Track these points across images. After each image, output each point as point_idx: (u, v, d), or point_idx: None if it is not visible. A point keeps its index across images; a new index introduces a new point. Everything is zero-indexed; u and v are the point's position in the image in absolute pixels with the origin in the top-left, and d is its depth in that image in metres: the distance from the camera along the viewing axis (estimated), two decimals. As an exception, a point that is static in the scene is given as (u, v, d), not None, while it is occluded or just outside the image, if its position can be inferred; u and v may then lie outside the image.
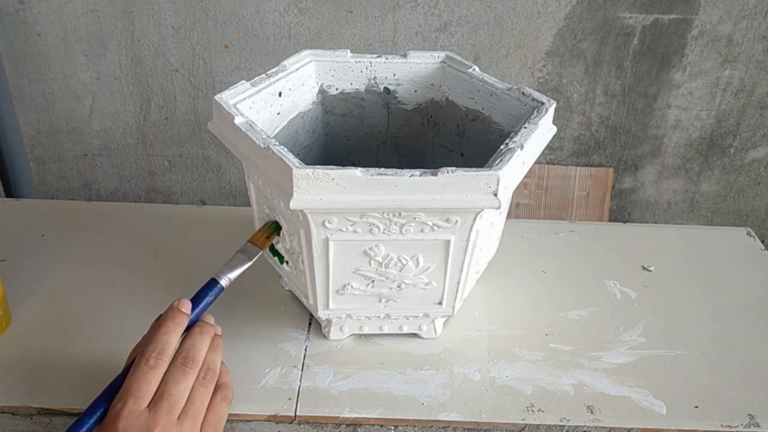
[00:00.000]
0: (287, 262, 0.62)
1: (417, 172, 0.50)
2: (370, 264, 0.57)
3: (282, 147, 0.52)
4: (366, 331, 0.65)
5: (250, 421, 0.58)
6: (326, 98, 0.71)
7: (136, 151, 1.57)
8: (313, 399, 0.59)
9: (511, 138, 0.56)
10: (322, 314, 0.62)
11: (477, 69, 0.69)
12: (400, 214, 0.52)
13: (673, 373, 0.63)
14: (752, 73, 1.49)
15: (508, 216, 0.70)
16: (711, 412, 0.60)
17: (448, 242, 0.56)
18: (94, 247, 0.76)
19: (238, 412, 0.58)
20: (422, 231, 0.54)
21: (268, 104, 0.65)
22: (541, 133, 0.59)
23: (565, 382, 0.62)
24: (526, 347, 0.66)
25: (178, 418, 0.49)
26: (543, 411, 0.59)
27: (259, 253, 0.58)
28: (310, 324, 0.67)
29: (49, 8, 1.39)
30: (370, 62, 0.70)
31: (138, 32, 1.42)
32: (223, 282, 0.56)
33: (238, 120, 0.56)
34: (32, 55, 1.44)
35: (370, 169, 0.50)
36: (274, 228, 0.60)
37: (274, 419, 0.58)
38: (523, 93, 0.64)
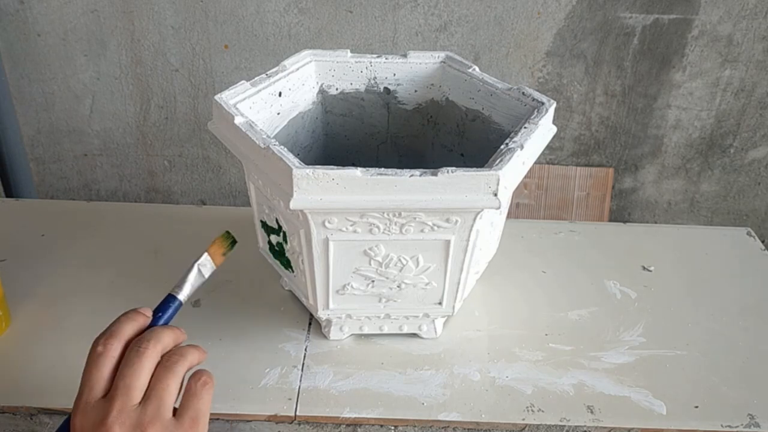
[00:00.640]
0: (292, 268, 0.62)
1: (417, 172, 0.50)
2: (370, 264, 0.57)
3: (282, 147, 0.52)
4: (366, 331, 0.65)
5: (250, 421, 0.58)
6: (326, 98, 0.71)
7: (136, 151, 1.57)
8: (313, 399, 0.59)
9: (511, 138, 0.56)
10: (322, 314, 0.62)
11: (477, 69, 0.69)
12: (400, 214, 0.52)
13: (673, 373, 0.63)
14: (752, 73, 1.49)
15: (508, 216, 0.70)
16: (711, 412, 0.60)
17: (448, 242, 0.56)
18: (94, 247, 0.76)
19: (238, 412, 0.58)
20: (422, 231, 0.54)
21: (268, 104, 0.65)
22: (541, 133, 0.59)
23: (565, 382, 0.62)
24: (526, 347, 0.65)
25: (141, 402, 0.43)
26: (543, 411, 0.59)
27: (214, 270, 0.56)
28: (310, 324, 0.67)
29: (49, 8, 1.39)
30: (370, 62, 0.70)
31: (138, 32, 1.42)
32: (182, 297, 0.53)
33: (238, 120, 0.56)
34: (32, 55, 1.44)
35: (370, 169, 0.50)
36: (230, 244, 0.58)
37: (274, 419, 0.58)
38: (523, 93, 0.64)
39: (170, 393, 0.45)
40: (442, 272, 0.58)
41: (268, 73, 0.66)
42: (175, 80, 1.48)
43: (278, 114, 0.67)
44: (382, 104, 0.72)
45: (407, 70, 0.71)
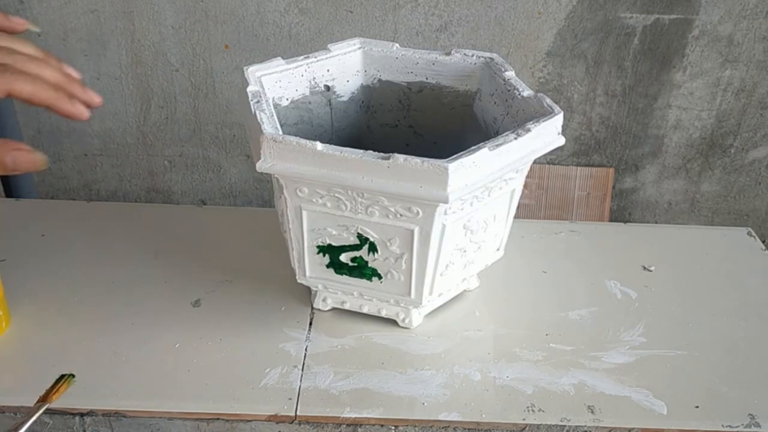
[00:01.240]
0: (379, 276, 0.63)
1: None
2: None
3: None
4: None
5: (251, 421, 0.58)
6: (279, 112, 0.69)
7: (137, 151, 1.57)
8: (313, 399, 0.59)
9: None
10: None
11: (398, 45, 0.72)
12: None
13: (674, 373, 0.63)
14: (753, 73, 1.49)
15: (509, 216, 0.70)
16: (711, 412, 0.60)
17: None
18: (94, 247, 0.76)
19: (238, 412, 0.58)
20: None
21: None
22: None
23: (565, 382, 0.62)
24: (526, 347, 0.65)
25: None
26: (543, 411, 0.59)
27: (44, 407, 0.54)
28: (310, 324, 0.67)
29: (49, 8, 1.38)
30: (307, 65, 0.70)
31: (138, 32, 1.42)
32: None
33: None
34: (32, 55, 1.43)
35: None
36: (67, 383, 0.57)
37: (275, 419, 0.58)
38: (465, 53, 0.68)
39: None
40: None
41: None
42: (175, 80, 1.48)
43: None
44: (325, 103, 0.72)
45: (336, 63, 0.72)
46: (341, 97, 0.73)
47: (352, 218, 0.57)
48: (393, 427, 0.58)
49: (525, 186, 0.68)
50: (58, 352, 0.63)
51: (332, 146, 0.53)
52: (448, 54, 0.71)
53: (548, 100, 0.61)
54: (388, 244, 0.58)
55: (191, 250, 0.76)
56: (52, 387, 0.56)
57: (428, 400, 0.59)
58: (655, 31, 1.43)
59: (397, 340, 0.66)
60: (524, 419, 0.58)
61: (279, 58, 0.68)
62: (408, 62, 0.72)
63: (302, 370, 0.62)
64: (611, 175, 1.59)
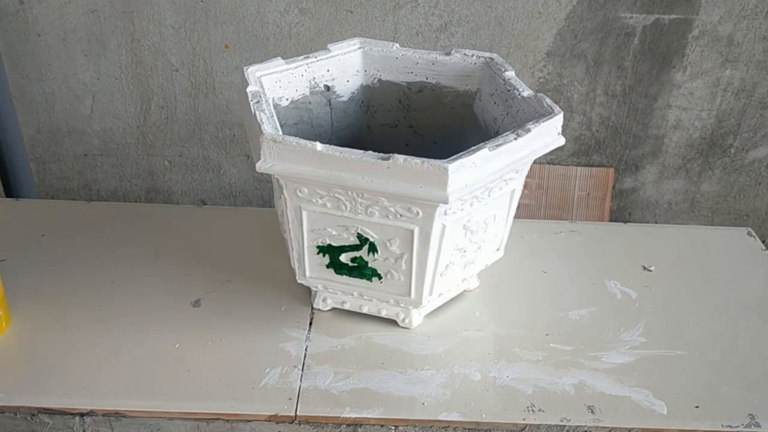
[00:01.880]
0: (379, 276, 0.63)
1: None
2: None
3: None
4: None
5: (251, 421, 0.58)
6: (279, 112, 0.69)
7: (137, 151, 1.57)
8: (313, 399, 0.59)
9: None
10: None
11: (398, 45, 0.72)
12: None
13: (674, 373, 0.63)
14: (753, 73, 1.49)
15: (509, 216, 0.70)
16: (711, 412, 0.60)
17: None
18: (94, 247, 0.76)
19: (238, 412, 0.58)
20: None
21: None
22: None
23: (565, 382, 0.62)
24: (526, 347, 0.65)
25: None
26: (543, 411, 0.59)
27: None
28: (310, 324, 0.67)
29: (49, 8, 1.38)
30: (307, 65, 0.70)
31: (138, 32, 1.42)
32: None
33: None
34: (32, 55, 1.44)
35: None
36: None
37: (275, 419, 0.58)
38: (465, 53, 0.67)
39: None
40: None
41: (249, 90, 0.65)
42: (175, 80, 1.48)
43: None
44: (324, 102, 0.72)
45: (335, 62, 0.72)
46: (341, 97, 0.73)
47: (352, 218, 0.57)
48: (393, 427, 0.58)
49: (525, 186, 0.68)
50: (58, 352, 0.63)
51: (332, 146, 0.53)
52: (448, 54, 0.71)
53: (548, 100, 0.61)
54: (388, 244, 0.58)
55: (191, 250, 0.76)
56: None
57: (428, 400, 0.59)
58: (655, 31, 1.43)
59: (397, 340, 0.66)
60: (524, 419, 0.58)
61: (279, 58, 0.68)
62: (408, 62, 0.72)
63: (302, 370, 0.62)
64: (611, 175, 1.59)
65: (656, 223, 1.68)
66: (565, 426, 0.58)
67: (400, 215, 0.56)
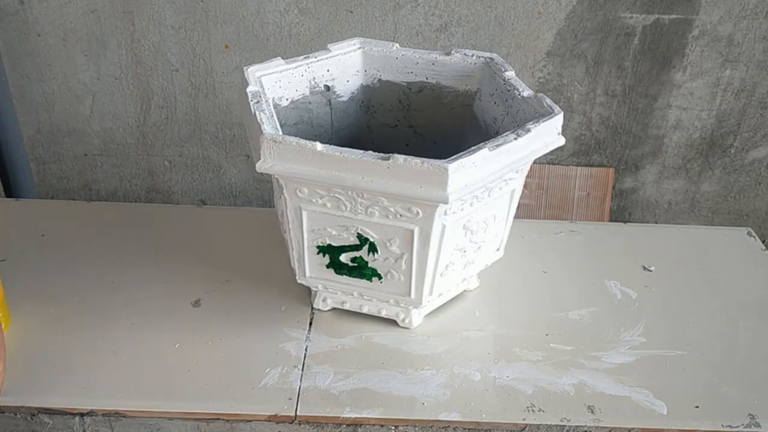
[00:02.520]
0: (379, 276, 0.63)
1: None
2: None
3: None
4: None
5: (251, 421, 0.58)
6: (279, 112, 0.69)
7: (137, 151, 1.57)
8: (313, 399, 0.59)
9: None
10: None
11: (398, 45, 0.72)
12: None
13: (674, 373, 0.63)
14: (753, 73, 1.49)
15: (509, 216, 0.70)
16: (711, 412, 0.60)
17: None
18: (94, 247, 0.76)
19: (238, 412, 0.58)
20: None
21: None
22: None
23: (565, 382, 0.62)
24: (526, 347, 0.65)
25: None
26: (543, 411, 0.59)
27: None
28: (310, 324, 0.67)
29: (49, 8, 1.38)
30: (307, 65, 0.70)
31: (138, 32, 1.42)
32: None
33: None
34: (32, 55, 1.44)
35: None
36: None
37: (275, 419, 0.58)
38: (465, 53, 0.67)
39: None
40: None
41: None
42: (175, 80, 1.48)
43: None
44: (324, 102, 0.72)
45: (335, 63, 0.72)
46: (341, 97, 0.73)
47: (352, 218, 0.57)
48: (393, 427, 0.58)
49: (525, 186, 0.68)
50: (58, 352, 0.62)
51: (332, 146, 0.53)
52: (448, 54, 0.71)
53: (548, 100, 0.61)
54: (388, 244, 0.58)
55: (191, 250, 0.76)
56: None
57: (428, 400, 0.59)
58: (655, 31, 1.43)
59: (397, 340, 0.66)
60: (524, 419, 0.58)
61: (279, 58, 0.68)
62: (408, 62, 0.71)
63: (302, 370, 0.62)
64: (611, 175, 1.59)
65: (656, 223, 1.68)
66: (565, 426, 0.58)
67: (400, 215, 0.56)
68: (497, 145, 0.55)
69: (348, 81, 0.73)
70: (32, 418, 0.58)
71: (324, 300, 0.68)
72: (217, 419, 0.58)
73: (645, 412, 0.59)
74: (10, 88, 1.46)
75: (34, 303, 0.68)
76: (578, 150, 1.58)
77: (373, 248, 0.59)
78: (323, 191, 0.56)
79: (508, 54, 1.46)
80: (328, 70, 0.71)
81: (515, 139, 0.56)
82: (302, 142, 0.53)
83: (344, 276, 0.63)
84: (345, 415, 0.58)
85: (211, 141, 1.56)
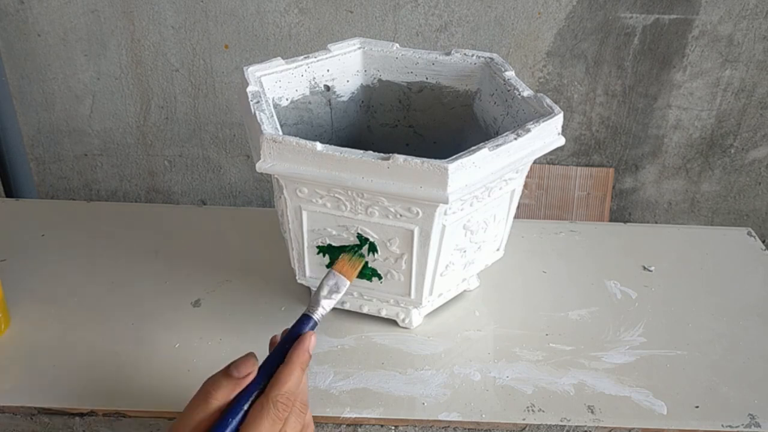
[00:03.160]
0: (379, 276, 0.63)
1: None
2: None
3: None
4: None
5: (250, 421, 0.58)
6: (279, 112, 0.69)
7: (137, 151, 1.57)
8: (313, 399, 0.59)
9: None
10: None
11: (398, 45, 0.72)
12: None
13: (674, 373, 0.63)
14: (753, 73, 1.49)
15: (509, 216, 0.70)
16: (711, 412, 0.60)
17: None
18: (94, 247, 0.76)
19: (238, 412, 0.58)
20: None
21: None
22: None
23: (565, 382, 0.62)
24: (526, 347, 0.65)
25: None
26: (543, 411, 0.59)
27: (347, 285, 0.55)
28: (310, 324, 0.67)
29: (49, 8, 1.38)
30: (307, 65, 0.70)
31: (138, 32, 1.42)
32: (316, 317, 0.52)
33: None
34: (32, 55, 1.44)
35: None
36: (359, 256, 0.59)
37: (275, 419, 0.58)
38: (465, 53, 0.67)
39: None
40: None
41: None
42: (175, 80, 1.48)
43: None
44: (324, 102, 0.72)
45: (335, 63, 0.72)
46: (341, 97, 0.73)
47: (352, 218, 0.57)
48: (393, 427, 0.58)
49: (525, 186, 0.68)
50: (58, 352, 0.63)
51: (332, 146, 0.53)
52: (448, 54, 0.71)
53: (548, 100, 0.61)
54: (388, 244, 0.58)
55: (191, 250, 0.76)
56: (344, 261, 0.57)
57: (428, 400, 0.59)
58: (655, 31, 1.43)
59: (397, 340, 0.66)
60: (524, 419, 0.58)
61: (279, 58, 0.68)
62: (408, 62, 0.72)
63: (302, 370, 0.62)
64: (611, 175, 1.59)
65: (656, 223, 1.68)
66: (565, 426, 0.58)
67: (400, 215, 0.56)
68: (497, 145, 0.55)
69: (348, 81, 0.73)
70: (32, 418, 0.58)
71: None
72: (217, 419, 0.58)
73: (645, 412, 0.59)
74: (10, 88, 1.46)
75: (34, 303, 0.68)
76: (578, 150, 1.58)
77: (373, 248, 0.59)
78: (323, 191, 0.56)
79: (508, 54, 1.46)
80: (328, 70, 0.71)
81: (515, 139, 0.56)
82: (302, 142, 0.53)
83: None
84: (345, 415, 0.58)
85: (211, 141, 1.56)
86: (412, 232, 0.57)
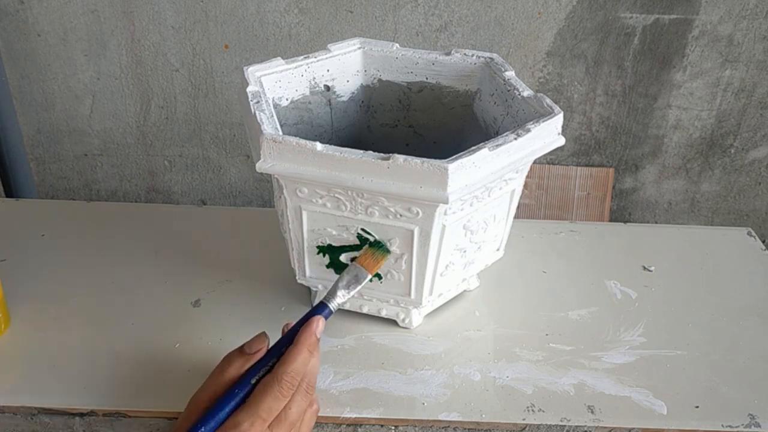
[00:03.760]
0: (379, 277, 0.63)
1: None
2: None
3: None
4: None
5: (250, 421, 0.58)
6: (279, 112, 0.69)
7: (137, 151, 1.57)
8: (313, 399, 0.59)
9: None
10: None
11: (398, 45, 0.72)
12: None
13: (674, 373, 0.63)
14: (753, 73, 1.49)
15: (509, 216, 0.70)
16: (711, 412, 0.60)
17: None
18: (94, 247, 0.76)
19: (238, 412, 0.58)
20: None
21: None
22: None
23: (565, 382, 0.62)
24: (526, 347, 0.65)
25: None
26: (543, 411, 0.59)
27: (367, 278, 0.57)
28: (310, 324, 0.67)
29: (49, 8, 1.38)
30: (307, 65, 0.69)
31: (138, 32, 1.42)
32: (332, 305, 0.55)
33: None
34: (32, 55, 1.44)
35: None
36: (383, 250, 0.59)
37: (275, 419, 0.58)
38: (465, 53, 0.67)
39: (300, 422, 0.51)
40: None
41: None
42: (175, 80, 1.48)
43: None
44: (324, 102, 0.72)
45: (335, 63, 0.71)
46: (341, 97, 0.73)
47: (352, 218, 0.57)
48: (393, 427, 0.58)
49: (525, 186, 0.68)
50: (58, 352, 0.63)
51: (332, 146, 0.53)
52: (448, 54, 0.71)
53: (548, 100, 0.61)
54: (388, 244, 0.58)
55: (191, 250, 0.76)
56: (367, 255, 0.58)
57: (428, 400, 0.59)
58: (655, 31, 1.43)
59: (397, 340, 0.66)
60: (524, 419, 0.58)
61: (279, 58, 0.68)
62: (408, 62, 0.72)
63: (302, 370, 0.62)
64: (611, 175, 1.59)
65: (656, 223, 1.68)
66: (565, 426, 0.58)
67: (400, 215, 0.56)
68: (497, 145, 0.55)
69: (348, 81, 0.73)
70: (32, 418, 0.58)
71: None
72: (217, 419, 0.58)
73: (645, 412, 0.59)
74: (10, 88, 1.46)
75: (34, 303, 0.68)
76: (578, 150, 1.58)
77: (380, 247, 0.59)
78: (323, 191, 0.56)
79: (508, 54, 1.46)
80: (328, 70, 0.71)
81: (515, 139, 0.56)
82: (302, 142, 0.53)
83: None
84: (345, 415, 0.58)
85: (211, 141, 1.56)
86: (412, 232, 0.57)
